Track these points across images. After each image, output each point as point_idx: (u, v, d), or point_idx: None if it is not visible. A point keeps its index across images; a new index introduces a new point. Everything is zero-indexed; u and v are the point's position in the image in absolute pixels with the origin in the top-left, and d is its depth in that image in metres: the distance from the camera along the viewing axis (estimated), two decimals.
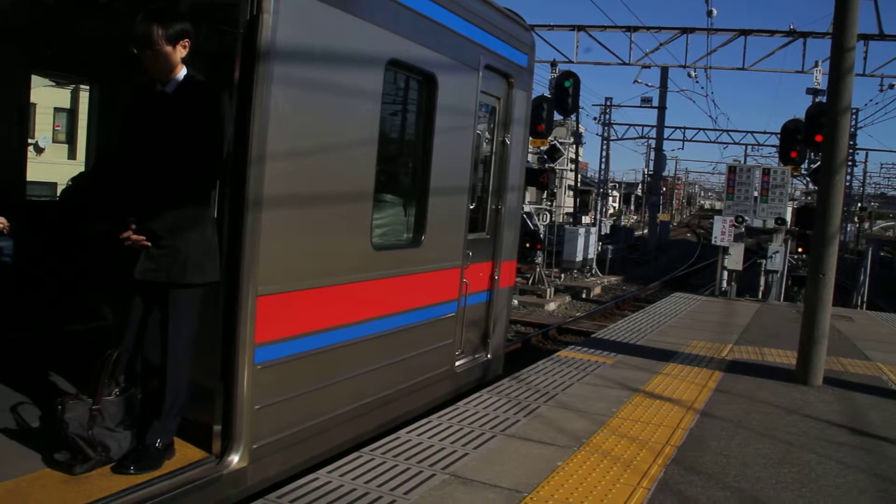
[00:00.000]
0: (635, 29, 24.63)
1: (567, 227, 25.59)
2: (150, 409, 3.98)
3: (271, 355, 4.25)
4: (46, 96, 25.35)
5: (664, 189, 64.26)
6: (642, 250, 40.12)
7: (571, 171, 31.97)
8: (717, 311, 12.69)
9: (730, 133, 66.23)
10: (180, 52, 3.88)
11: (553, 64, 23.16)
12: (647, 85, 38.83)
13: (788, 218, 16.43)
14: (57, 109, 29.91)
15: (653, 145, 46.29)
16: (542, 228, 21.80)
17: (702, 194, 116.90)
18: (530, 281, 20.64)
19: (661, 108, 41.01)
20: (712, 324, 10.98)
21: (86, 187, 5.66)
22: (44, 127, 29.09)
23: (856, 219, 54.84)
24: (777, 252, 15.91)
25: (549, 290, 19.75)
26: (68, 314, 5.89)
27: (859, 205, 55.78)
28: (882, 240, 60.27)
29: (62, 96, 28.42)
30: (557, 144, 21.41)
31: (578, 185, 34.29)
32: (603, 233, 33.89)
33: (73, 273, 5.64)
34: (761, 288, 16.64)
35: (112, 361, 3.81)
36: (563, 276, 23.67)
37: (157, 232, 3.81)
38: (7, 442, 4.03)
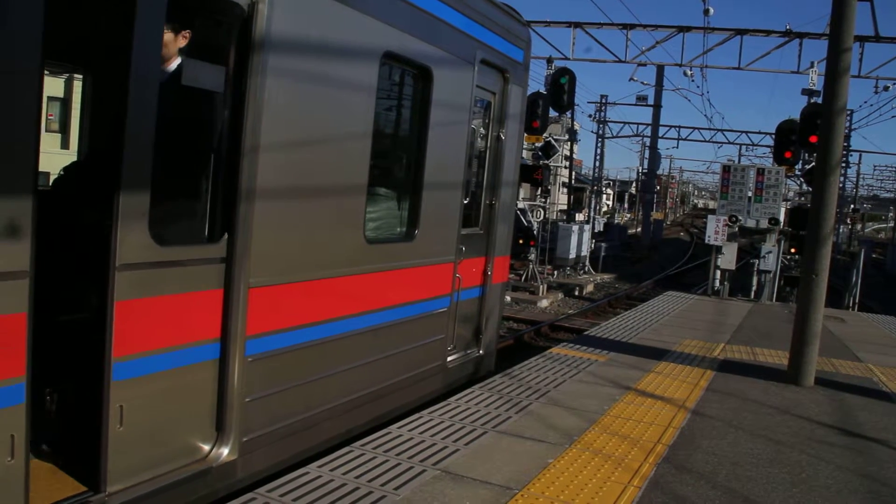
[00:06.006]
0: (632, 27, 24.66)
1: (561, 224, 25.55)
2: None
3: (262, 348, 4.22)
4: None
5: (658, 187, 64.42)
6: (635, 248, 40.17)
7: (566, 167, 31.97)
8: (710, 310, 12.71)
9: (725, 132, 65.72)
10: (180, 41, 3.89)
11: (549, 60, 23.15)
12: (642, 83, 39.07)
13: (782, 218, 16.45)
14: (50, 98, 29.74)
15: (647, 143, 46.35)
16: (535, 225, 21.78)
17: (696, 193, 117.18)
18: (523, 277, 20.63)
19: (657, 107, 41.10)
20: (704, 323, 11.00)
21: (78, 177, 5.62)
22: None
23: (848, 220, 55.05)
24: (770, 252, 15.93)
25: (541, 286, 19.74)
26: (59, 304, 5.84)
27: (852, 206, 56.00)
28: (874, 241, 60.56)
29: (56, 85, 28.25)
30: (552, 141, 21.39)
31: (573, 182, 34.33)
32: (596, 230, 33.91)
33: (64, 262, 5.60)
34: (754, 288, 16.67)
35: None
36: (556, 273, 23.64)
37: None
38: None
